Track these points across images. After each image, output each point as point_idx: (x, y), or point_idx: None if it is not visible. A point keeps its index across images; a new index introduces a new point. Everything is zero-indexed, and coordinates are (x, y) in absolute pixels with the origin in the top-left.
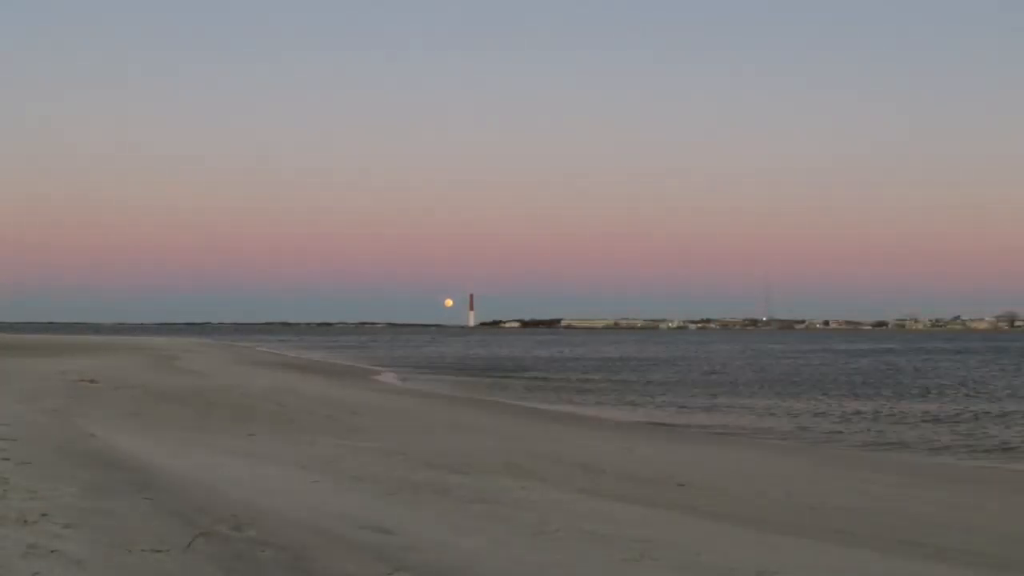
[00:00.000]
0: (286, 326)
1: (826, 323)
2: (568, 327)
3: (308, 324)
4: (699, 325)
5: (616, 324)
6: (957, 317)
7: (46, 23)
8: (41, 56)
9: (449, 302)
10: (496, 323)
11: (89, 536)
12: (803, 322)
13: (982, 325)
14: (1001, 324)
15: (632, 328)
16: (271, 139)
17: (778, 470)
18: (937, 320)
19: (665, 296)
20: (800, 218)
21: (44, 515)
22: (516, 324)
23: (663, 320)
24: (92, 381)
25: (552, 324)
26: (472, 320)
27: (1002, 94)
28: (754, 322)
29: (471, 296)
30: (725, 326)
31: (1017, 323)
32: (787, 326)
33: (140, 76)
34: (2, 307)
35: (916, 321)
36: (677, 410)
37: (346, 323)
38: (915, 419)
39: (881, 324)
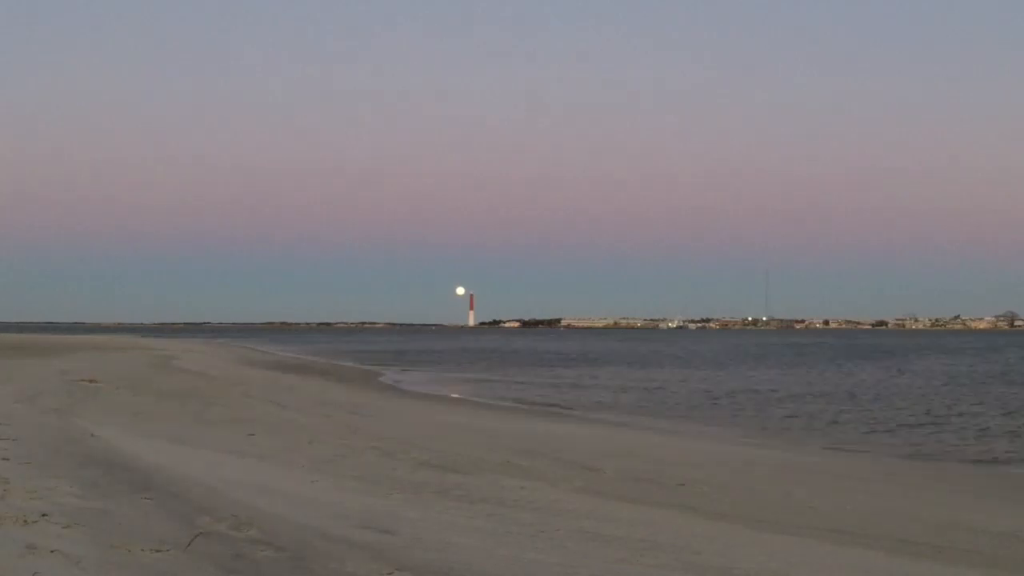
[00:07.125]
0: (285, 325)
1: (826, 322)
2: (568, 326)
3: (308, 324)
4: (699, 324)
5: (616, 323)
6: (957, 317)
7: None
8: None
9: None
10: (496, 323)
11: (89, 536)
12: (803, 321)
13: (982, 325)
14: (1001, 324)
15: (632, 327)
16: (271, 139)
17: (778, 470)
18: (937, 319)
19: (664, 296)
20: (800, 217)
21: (44, 515)
22: (516, 324)
23: (663, 319)
24: (92, 381)
25: (552, 324)
26: (472, 320)
27: (1004, 94)
28: (754, 321)
29: (471, 296)
30: (725, 325)
31: (1017, 323)
32: (787, 325)
33: (131, 81)
34: (2, 307)
35: (916, 320)
36: None
37: (346, 323)
38: None
39: (881, 323)
